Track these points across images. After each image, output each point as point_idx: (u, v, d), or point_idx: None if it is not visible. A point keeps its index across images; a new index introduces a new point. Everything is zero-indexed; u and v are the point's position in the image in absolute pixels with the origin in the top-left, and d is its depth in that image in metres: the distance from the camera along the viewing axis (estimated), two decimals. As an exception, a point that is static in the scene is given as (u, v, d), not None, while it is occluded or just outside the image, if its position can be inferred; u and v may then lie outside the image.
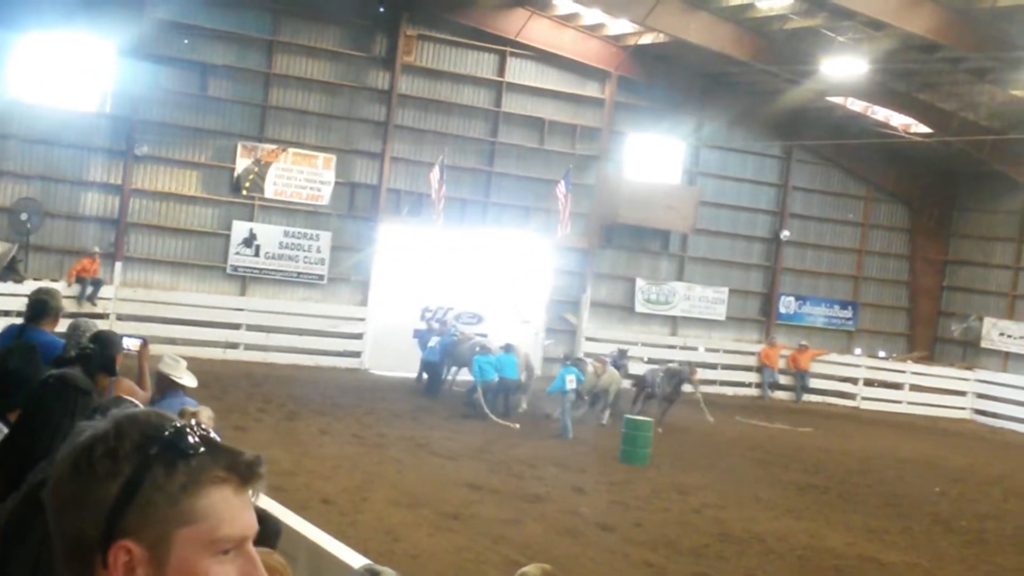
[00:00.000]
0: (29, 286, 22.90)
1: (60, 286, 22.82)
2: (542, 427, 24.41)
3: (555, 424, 24.17)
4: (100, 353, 7.74)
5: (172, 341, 25.96)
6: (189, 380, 9.84)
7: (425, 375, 27.65)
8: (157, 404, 9.45)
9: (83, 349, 7.77)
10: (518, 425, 24.27)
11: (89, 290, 26.65)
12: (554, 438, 23.29)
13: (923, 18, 23.91)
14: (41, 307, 8.55)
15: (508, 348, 25.78)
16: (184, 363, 9.90)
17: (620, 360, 27.78)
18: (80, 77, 26.91)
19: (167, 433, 1.81)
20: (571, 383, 24.03)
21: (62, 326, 8.89)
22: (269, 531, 7.36)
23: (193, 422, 1.89)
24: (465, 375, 26.75)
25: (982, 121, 30.37)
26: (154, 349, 10.50)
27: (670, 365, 26.97)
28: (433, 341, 27.43)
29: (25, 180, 27.10)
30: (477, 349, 25.75)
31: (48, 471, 2.37)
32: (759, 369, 34.31)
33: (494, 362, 25.06)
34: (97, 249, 27.15)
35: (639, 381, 27.14)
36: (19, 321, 9.38)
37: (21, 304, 19.81)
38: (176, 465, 1.78)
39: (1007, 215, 34.78)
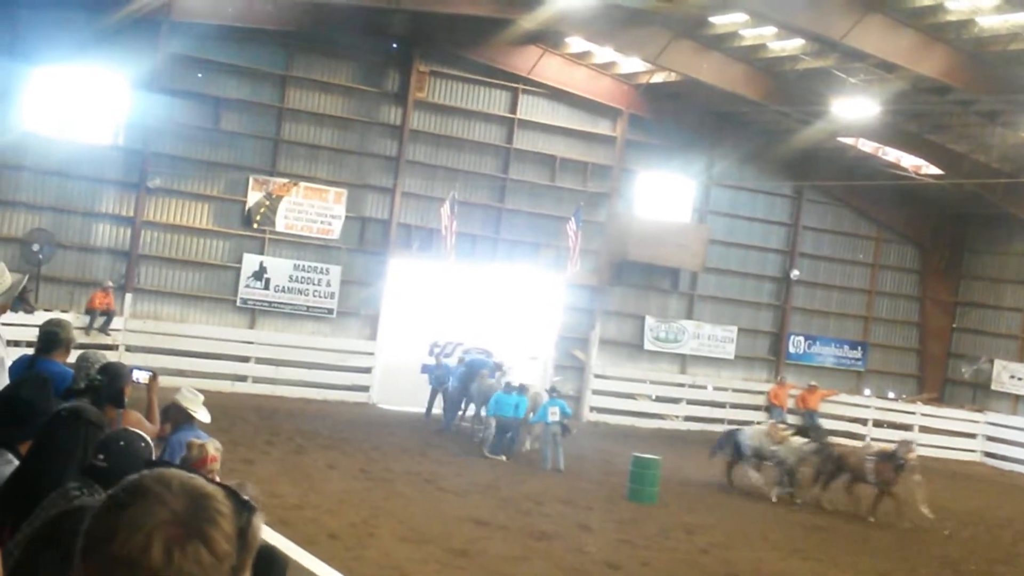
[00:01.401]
0: (40, 317, 22.98)
1: (71, 317, 22.84)
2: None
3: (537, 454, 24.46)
4: (108, 385, 7.75)
5: (181, 373, 25.97)
6: (204, 415, 9.86)
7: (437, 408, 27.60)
8: (170, 436, 9.48)
9: (92, 380, 7.78)
10: (505, 457, 24.43)
11: (100, 321, 26.71)
12: (555, 472, 23.21)
13: (935, 60, 23.98)
14: (53, 338, 8.58)
15: (522, 389, 25.60)
16: (202, 398, 9.93)
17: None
18: (94, 110, 27.05)
19: None
20: (553, 415, 24.04)
21: (72, 356, 8.90)
22: (275, 566, 7.34)
23: None
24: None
25: (993, 163, 30.40)
26: (166, 382, 10.52)
27: (883, 447, 23.74)
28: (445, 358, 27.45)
29: (38, 211, 27.22)
30: (503, 385, 25.52)
31: (61, 503, 2.36)
32: (768, 408, 34.21)
33: (514, 401, 24.87)
34: (111, 283, 27.22)
35: (828, 457, 23.26)
36: (30, 352, 9.39)
37: (32, 334, 19.89)
38: None
39: (1018, 257, 34.74)
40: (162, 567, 1.85)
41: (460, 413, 27.72)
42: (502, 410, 24.70)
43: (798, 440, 23.39)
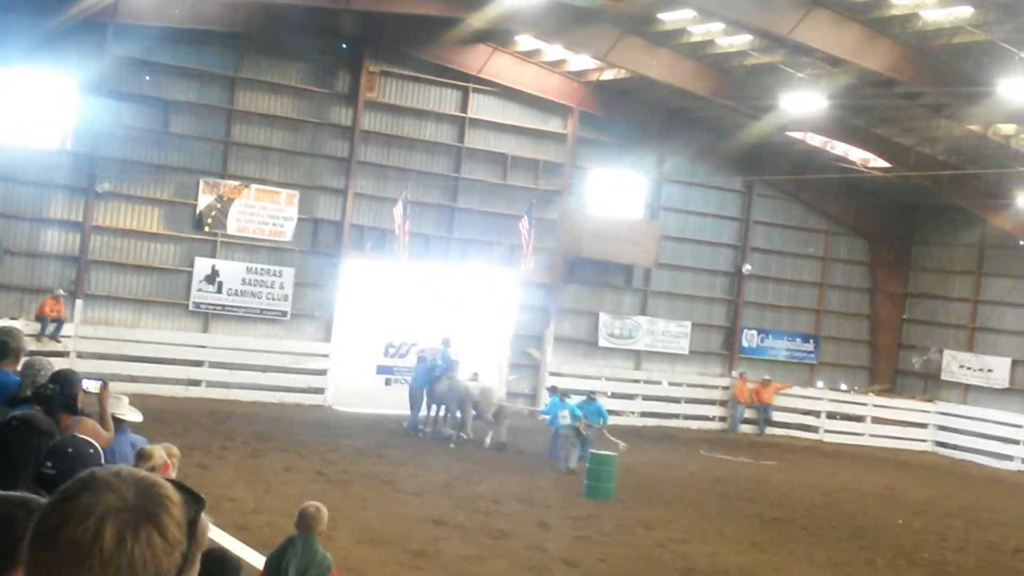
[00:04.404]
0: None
1: (20, 324, 22.59)
2: (505, 461, 24.37)
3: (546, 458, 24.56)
4: (61, 392, 7.69)
5: (133, 379, 25.83)
6: (133, 416, 9.72)
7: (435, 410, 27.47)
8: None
9: (42, 388, 7.71)
10: (453, 446, 25.16)
11: (51, 328, 26.44)
12: (568, 473, 23.23)
13: (880, 54, 24.22)
14: (2, 347, 8.49)
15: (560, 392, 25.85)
16: (126, 399, 9.77)
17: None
18: (41, 114, 26.78)
19: None
20: (564, 418, 24.06)
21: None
22: (230, 569, 7.31)
23: None
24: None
25: (939, 156, 30.76)
26: (119, 388, 10.42)
27: None
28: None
29: (-15, 217, 26.90)
30: (567, 398, 25.44)
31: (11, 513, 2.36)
32: (725, 403, 34.47)
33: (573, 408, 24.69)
34: (62, 292, 26.92)
35: None
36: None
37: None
38: None
39: (965, 248, 35.18)
40: (114, 553, 1.86)
41: (429, 415, 27.44)
42: (561, 418, 24.52)
43: None
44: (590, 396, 25.61)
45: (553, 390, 27.08)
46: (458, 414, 26.39)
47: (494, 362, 31.68)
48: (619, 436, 25.66)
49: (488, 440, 26.05)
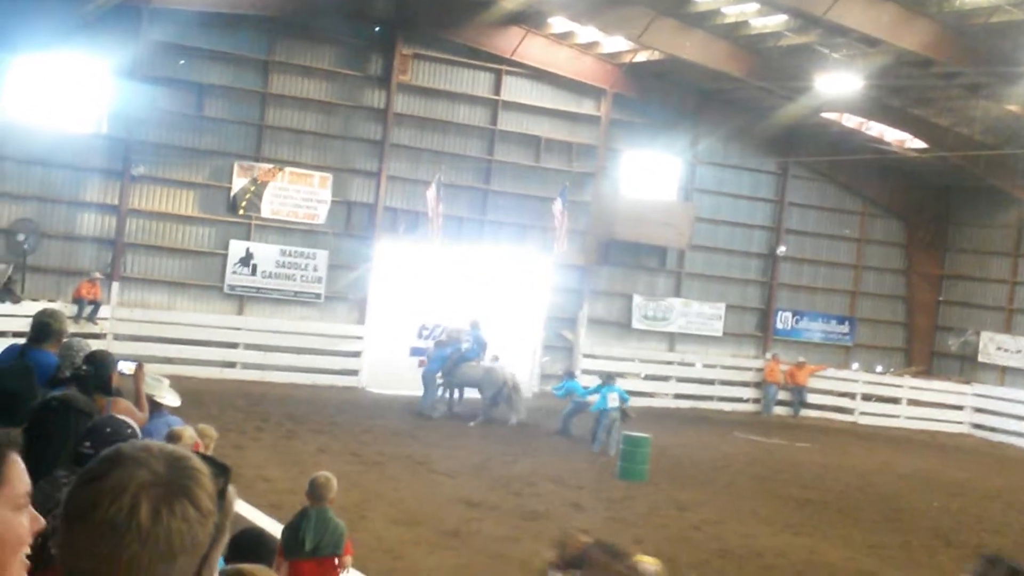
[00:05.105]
0: (26, 307, 22.95)
1: (58, 306, 22.80)
2: (539, 443, 24.40)
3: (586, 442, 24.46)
4: (95, 374, 7.75)
5: (169, 360, 26.02)
6: (171, 399, 9.81)
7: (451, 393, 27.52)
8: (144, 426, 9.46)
9: (78, 370, 7.78)
10: (473, 424, 25.58)
11: (88, 310, 26.66)
12: (603, 455, 23.22)
13: (917, 34, 24.01)
14: (44, 329, 8.58)
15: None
16: (166, 382, 9.86)
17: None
18: (77, 98, 26.91)
19: None
20: (613, 401, 24.08)
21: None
22: (266, 548, 7.36)
23: None
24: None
25: (976, 136, 30.46)
26: (155, 369, 10.50)
27: None
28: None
29: (22, 201, 27.12)
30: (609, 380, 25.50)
31: (49, 491, 2.39)
32: (759, 385, 34.34)
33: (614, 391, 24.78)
34: (98, 274, 27.14)
35: None
36: (19, 341, 9.38)
37: (18, 325, 19.85)
38: None
39: (1003, 229, 34.85)
40: (151, 527, 1.88)
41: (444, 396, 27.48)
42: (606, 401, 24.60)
43: None
44: (612, 376, 25.71)
45: (570, 376, 27.31)
46: (495, 398, 26.52)
47: (527, 344, 31.69)
48: (653, 419, 25.67)
49: (513, 419, 26.19)
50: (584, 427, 25.22)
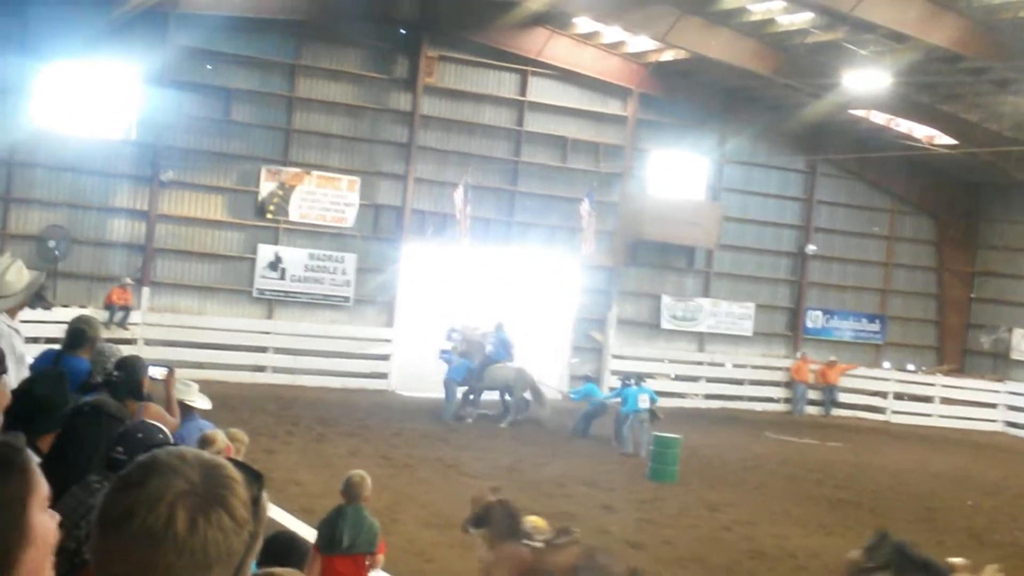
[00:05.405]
0: (58, 313, 23.09)
1: (89, 312, 22.92)
2: (570, 445, 24.37)
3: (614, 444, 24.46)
4: (127, 379, 7.77)
5: (200, 365, 26.11)
6: (202, 403, 9.85)
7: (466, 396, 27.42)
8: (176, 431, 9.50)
9: (109, 375, 7.80)
10: (504, 424, 25.76)
11: (119, 316, 26.82)
12: (635, 456, 23.20)
13: (945, 29, 23.83)
14: (79, 335, 8.62)
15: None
16: (196, 386, 9.90)
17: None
18: (105, 105, 27.08)
19: None
20: (644, 402, 24.05)
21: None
22: (298, 553, 7.36)
23: None
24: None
25: (1006, 132, 30.22)
26: (185, 374, 10.53)
27: None
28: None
29: (52, 208, 27.31)
30: (631, 381, 25.48)
31: (82, 496, 2.38)
32: (788, 384, 34.19)
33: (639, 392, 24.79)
34: (129, 280, 27.32)
35: None
36: (52, 347, 9.43)
37: (50, 331, 19.96)
38: None
39: (1035, 225, 34.60)
40: (187, 537, 1.87)
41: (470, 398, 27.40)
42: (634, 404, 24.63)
43: None
44: (642, 378, 25.67)
45: (588, 379, 27.51)
46: (527, 398, 26.57)
47: (555, 345, 31.68)
48: (684, 419, 25.58)
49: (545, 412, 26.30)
50: (603, 427, 25.24)
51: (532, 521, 10.26)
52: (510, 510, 9.95)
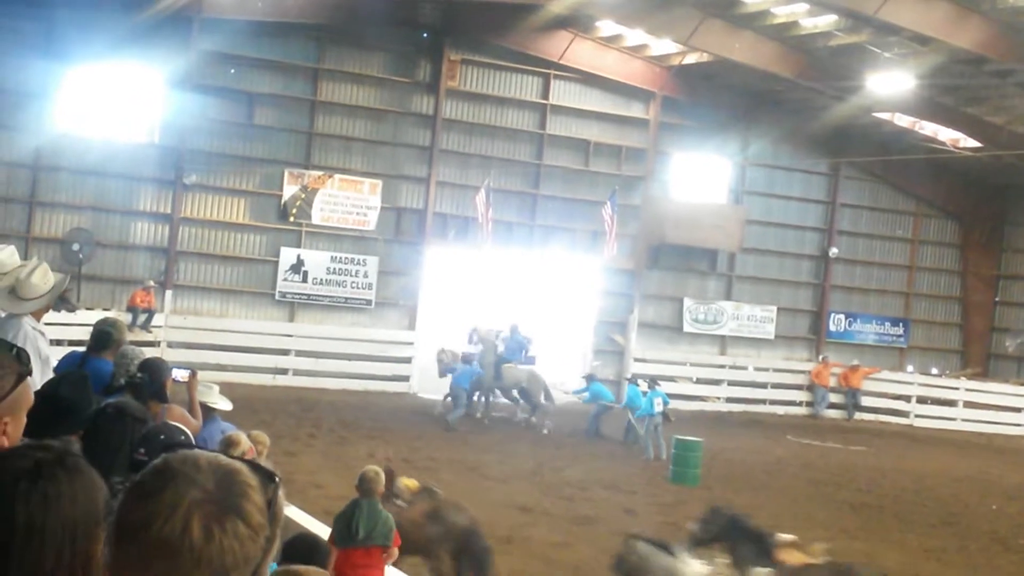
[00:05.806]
0: (82, 316, 23.20)
1: (112, 314, 23.02)
2: (591, 448, 24.34)
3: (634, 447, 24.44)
4: (150, 381, 7.80)
5: (222, 367, 26.18)
6: (224, 404, 9.88)
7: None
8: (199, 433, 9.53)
9: (132, 377, 7.83)
10: (546, 431, 25.56)
11: (142, 318, 26.94)
12: (656, 460, 23.20)
13: (970, 32, 23.73)
14: (105, 338, 8.65)
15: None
16: (216, 388, 9.93)
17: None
18: (129, 108, 27.23)
19: None
20: (659, 405, 24.04)
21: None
22: (320, 554, 7.38)
23: None
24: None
25: (1031, 134, 30.08)
26: (207, 376, 10.56)
27: None
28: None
29: (76, 211, 27.47)
30: (640, 382, 25.49)
31: (107, 500, 2.40)
32: (809, 387, 34.07)
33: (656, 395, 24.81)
34: (152, 283, 27.45)
35: None
36: (76, 349, 9.48)
37: (74, 333, 20.05)
38: None
39: (1060, 229, 34.41)
40: (203, 546, 1.87)
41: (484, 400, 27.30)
42: (638, 407, 24.69)
43: None
44: (655, 381, 25.62)
45: (592, 379, 27.26)
46: (543, 400, 26.50)
47: (577, 348, 31.66)
48: (706, 422, 25.46)
49: (547, 424, 26.13)
50: (612, 427, 25.42)
51: (404, 482, 12.42)
52: (391, 472, 11.85)
